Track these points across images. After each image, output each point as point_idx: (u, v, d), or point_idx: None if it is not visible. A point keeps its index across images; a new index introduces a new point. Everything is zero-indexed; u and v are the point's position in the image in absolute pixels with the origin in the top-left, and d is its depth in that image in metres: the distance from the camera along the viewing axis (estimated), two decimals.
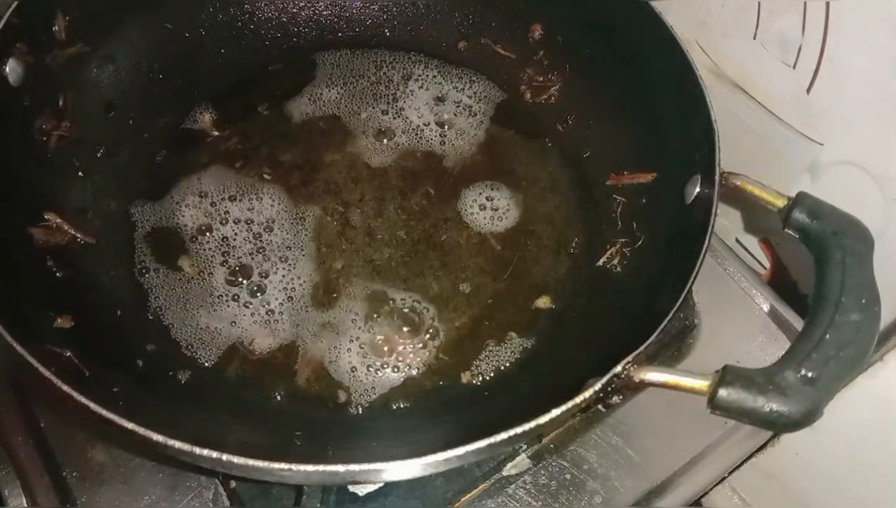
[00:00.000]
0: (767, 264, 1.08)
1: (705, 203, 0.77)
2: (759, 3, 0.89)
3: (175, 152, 0.98)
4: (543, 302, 0.91)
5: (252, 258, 0.91)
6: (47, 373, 0.63)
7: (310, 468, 0.63)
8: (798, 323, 0.96)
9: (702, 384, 0.62)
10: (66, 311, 0.77)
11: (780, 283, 1.05)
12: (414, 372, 0.85)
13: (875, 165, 0.86)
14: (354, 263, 0.92)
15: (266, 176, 0.97)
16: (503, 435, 0.62)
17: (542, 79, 1.05)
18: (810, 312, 0.66)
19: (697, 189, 0.80)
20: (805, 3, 0.84)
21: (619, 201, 0.94)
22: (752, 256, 1.10)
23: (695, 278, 0.71)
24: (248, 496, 0.83)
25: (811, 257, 0.71)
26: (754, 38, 0.92)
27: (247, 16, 1.07)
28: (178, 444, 0.61)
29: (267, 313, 0.88)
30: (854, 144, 0.87)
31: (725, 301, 1.00)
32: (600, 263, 0.90)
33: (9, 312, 0.68)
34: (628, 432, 0.91)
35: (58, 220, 0.83)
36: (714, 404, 0.61)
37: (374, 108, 1.04)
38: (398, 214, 0.96)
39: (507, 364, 0.87)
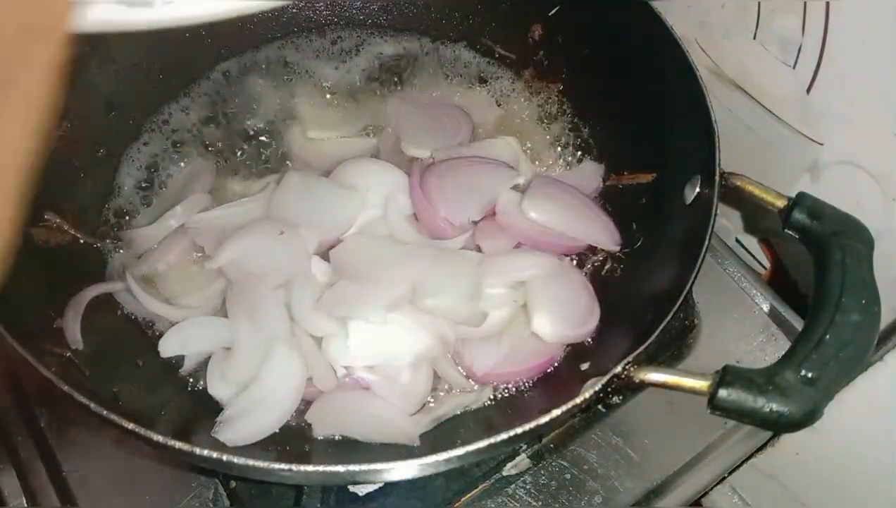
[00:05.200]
0: (767, 264, 1.08)
1: (705, 203, 0.77)
2: (759, 3, 0.89)
3: (175, 150, 0.98)
4: None
5: None
6: (47, 373, 0.63)
7: (310, 468, 0.63)
8: (798, 323, 0.96)
9: (702, 384, 0.62)
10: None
11: (780, 283, 1.05)
12: None
13: (875, 165, 0.86)
14: None
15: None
16: (503, 435, 0.62)
17: (542, 79, 1.04)
18: (810, 312, 0.66)
19: (697, 189, 0.80)
20: (805, 3, 0.84)
21: (619, 201, 0.94)
22: (753, 256, 1.10)
23: (695, 278, 0.71)
24: (248, 496, 0.83)
25: (811, 257, 0.71)
26: (754, 38, 0.92)
27: (247, 16, 1.06)
28: (178, 444, 0.61)
29: None
30: (854, 144, 0.87)
31: (725, 301, 1.00)
32: (599, 263, 0.90)
33: (9, 312, 0.68)
34: (628, 432, 0.91)
35: (58, 220, 0.83)
36: (714, 404, 0.61)
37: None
38: None
39: None
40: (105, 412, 0.62)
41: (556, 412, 0.64)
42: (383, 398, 0.77)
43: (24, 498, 0.85)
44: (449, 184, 0.88)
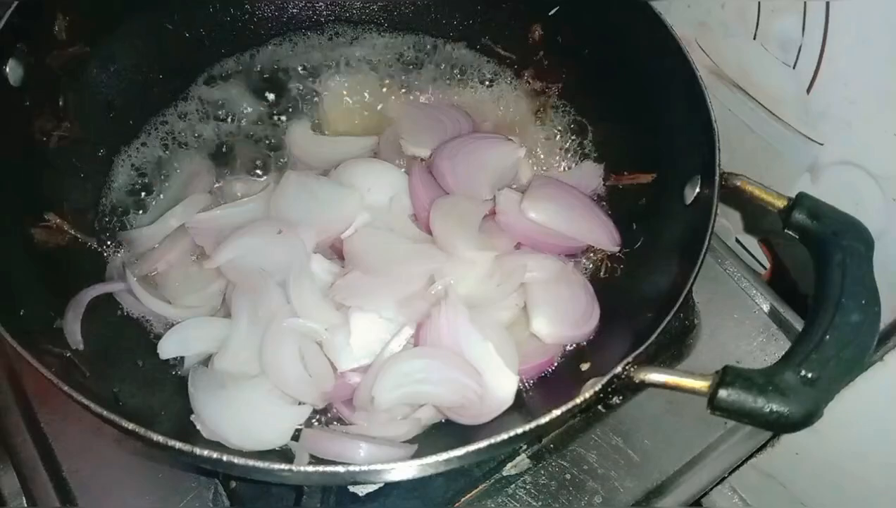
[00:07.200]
0: (767, 264, 1.08)
1: (705, 204, 0.77)
2: (759, 3, 0.89)
3: (176, 151, 0.98)
4: None
5: None
6: (47, 373, 0.63)
7: (310, 468, 0.63)
8: (798, 323, 0.97)
9: (702, 384, 0.62)
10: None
11: (780, 283, 1.05)
12: None
13: (875, 165, 0.86)
14: None
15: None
16: (503, 436, 0.62)
17: (542, 79, 1.04)
18: (810, 312, 0.66)
19: (697, 190, 0.80)
20: (805, 3, 0.84)
21: (619, 201, 0.94)
22: (753, 256, 1.10)
23: (695, 278, 0.71)
24: (248, 496, 0.83)
25: (811, 257, 0.71)
26: (754, 38, 0.92)
27: (247, 16, 1.06)
28: (178, 444, 0.61)
29: None
30: (854, 144, 0.88)
31: (725, 301, 1.00)
32: (598, 263, 0.90)
33: (9, 312, 0.68)
34: (628, 432, 0.91)
35: (58, 220, 0.83)
36: (714, 404, 0.61)
37: None
38: None
39: None
40: (105, 413, 0.62)
41: (556, 413, 0.64)
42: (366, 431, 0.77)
43: (24, 498, 0.85)
44: (460, 164, 0.90)
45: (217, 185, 0.95)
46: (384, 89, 1.05)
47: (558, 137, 1.01)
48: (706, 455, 0.91)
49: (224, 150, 0.99)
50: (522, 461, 0.88)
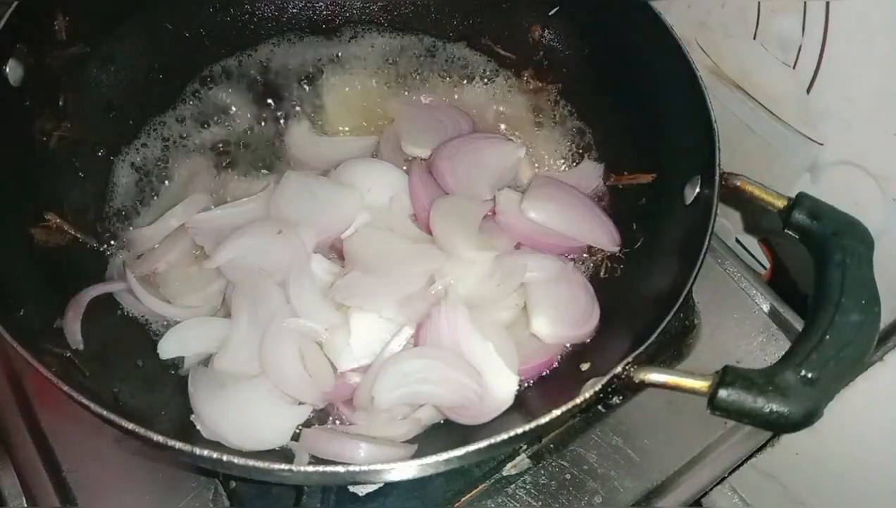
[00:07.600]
0: (767, 264, 1.08)
1: (705, 204, 0.77)
2: (759, 3, 0.90)
3: (176, 151, 0.98)
4: None
5: None
6: (47, 373, 0.63)
7: (310, 468, 0.63)
8: (798, 323, 0.97)
9: (702, 384, 0.62)
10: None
11: (780, 283, 1.05)
12: None
13: (875, 165, 0.86)
14: None
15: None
16: (503, 436, 0.62)
17: (542, 79, 1.04)
18: (810, 312, 0.66)
19: (697, 190, 0.80)
20: (805, 3, 0.84)
21: (619, 201, 0.94)
22: (753, 256, 1.10)
23: (695, 278, 0.71)
24: (248, 496, 0.83)
25: (811, 258, 0.71)
26: (754, 38, 0.92)
27: (247, 16, 1.06)
28: (178, 444, 0.61)
29: None
30: (854, 144, 0.88)
31: (725, 301, 1.00)
32: (598, 263, 0.90)
33: (9, 312, 0.68)
34: (628, 432, 0.91)
35: (58, 220, 0.83)
36: (714, 404, 0.61)
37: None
38: None
39: None
40: (105, 413, 0.62)
41: (556, 413, 0.64)
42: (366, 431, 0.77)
43: (23, 498, 0.85)
44: (460, 164, 0.90)
45: (216, 184, 0.95)
46: (384, 89, 1.05)
47: (558, 136, 1.01)
48: (706, 455, 0.91)
49: (224, 149, 0.99)
50: (522, 461, 0.88)
